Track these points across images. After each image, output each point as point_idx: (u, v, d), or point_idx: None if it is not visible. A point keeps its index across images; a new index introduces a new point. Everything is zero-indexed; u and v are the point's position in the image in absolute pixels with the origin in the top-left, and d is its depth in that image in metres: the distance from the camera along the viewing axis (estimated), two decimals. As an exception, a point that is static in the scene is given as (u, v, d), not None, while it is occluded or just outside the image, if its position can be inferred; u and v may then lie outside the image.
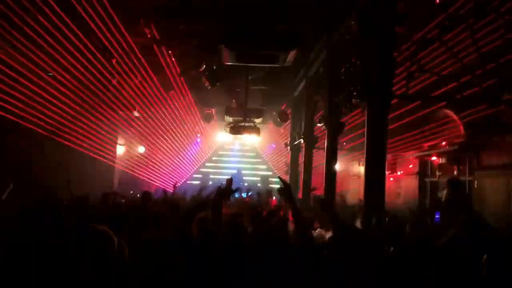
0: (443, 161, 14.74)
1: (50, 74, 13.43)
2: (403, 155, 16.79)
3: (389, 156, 17.18)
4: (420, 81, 11.62)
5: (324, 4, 11.34)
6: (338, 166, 14.57)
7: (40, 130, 13.65)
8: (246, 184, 19.46)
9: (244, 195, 14.73)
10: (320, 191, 14.02)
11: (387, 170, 17.73)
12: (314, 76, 14.98)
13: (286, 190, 5.25)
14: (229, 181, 5.57)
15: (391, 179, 17.79)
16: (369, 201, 9.50)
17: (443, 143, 14.38)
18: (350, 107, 11.59)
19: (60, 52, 12.70)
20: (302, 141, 16.02)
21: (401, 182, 17.37)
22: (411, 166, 16.77)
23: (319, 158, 14.44)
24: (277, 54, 11.38)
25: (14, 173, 12.82)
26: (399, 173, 17.63)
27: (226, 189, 5.42)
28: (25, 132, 13.44)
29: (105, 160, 17.63)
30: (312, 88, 15.35)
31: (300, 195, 15.65)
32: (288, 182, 5.56)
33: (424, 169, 16.17)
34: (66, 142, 14.86)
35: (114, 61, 13.90)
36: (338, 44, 12.39)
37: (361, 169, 15.51)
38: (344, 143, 17.58)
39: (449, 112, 14.07)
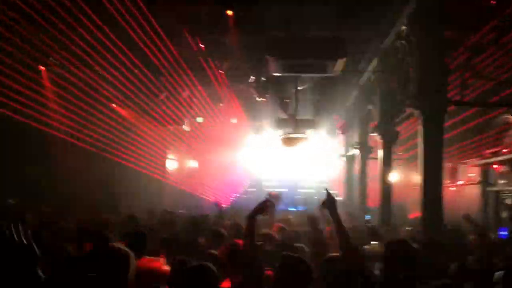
0: (506, 169, 14.04)
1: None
2: (464, 164, 16.11)
3: (448, 165, 16.57)
4: (478, 86, 11.16)
5: (373, 10, 10.91)
6: (395, 176, 14.13)
7: (91, 148, 13.72)
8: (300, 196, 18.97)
9: (300, 208, 14.33)
10: (375, 202, 13.57)
11: (447, 180, 17.16)
12: (366, 84, 14.60)
13: (330, 202, 4.86)
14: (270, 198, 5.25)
15: (452, 188, 17.11)
16: (426, 213, 9.25)
17: (505, 150, 13.71)
18: (403, 116, 11.27)
19: (107, 69, 12.72)
20: (356, 151, 15.60)
21: (462, 192, 16.66)
22: (472, 175, 16.06)
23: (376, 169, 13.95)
24: (325, 63, 11.11)
25: (65, 189, 13.00)
26: (459, 182, 16.92)
27: (264, 205, 5.07)
28: (75, 149, 13.54)
29: (156, 176, 17.61)
30: (364, 96, 14.96)
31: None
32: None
33: (486, 177, 15.45)
34: (116, 159, 14.88)
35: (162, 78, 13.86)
36: (389, 51, 12.02)
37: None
38: (401, 153, 17.05)
39: (510, 118, 13.46)
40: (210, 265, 4.31)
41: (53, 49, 11.95)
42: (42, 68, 13.30)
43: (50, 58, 12.88)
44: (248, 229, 4.91)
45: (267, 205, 5.14)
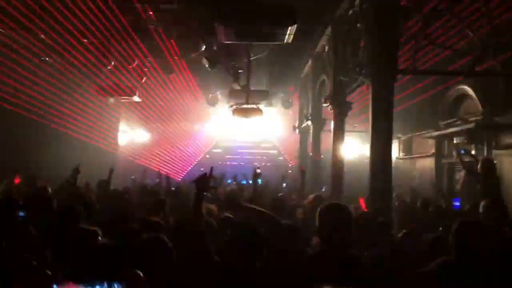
0: (460, 141, 13.91)
1: (43, 59, 13.03)
2: (419, 136, 15.98)
3: (404, 137, 16.47)
4: (432, 56, 11.04)
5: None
6: (348, 149, 13.95)
7: (32, 116, 13.20)
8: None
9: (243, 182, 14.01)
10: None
11: (402, 152, 17.09)
12: (320, 54, 14.38)
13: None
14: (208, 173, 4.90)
15: (407, 161, 17.02)
16: (374, 185, 9.08)
17: (459, 121, 13.59)
18: (355, 86, 11.09)
19: (49, 34, 12.22)
20: (310, 123, 15.34)
21: (417, 164, 16.56)
22: (426, 146, 15.93)
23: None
24: (275, 30, 10.85)
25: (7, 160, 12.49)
26: (415, 154, 16.80)
27: (206, 181, 4.81)
28: (16, 118, 13.01)
29: (106, 148, 17.14)
30: (318, 66, 14.72)
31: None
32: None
33: (440, 149, 15.32)
34: (65, 130, 14.40)
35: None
36: (343, 19, 11.79)
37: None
38: (356, 125, 16.89)
39: (465, 88, 13.33)
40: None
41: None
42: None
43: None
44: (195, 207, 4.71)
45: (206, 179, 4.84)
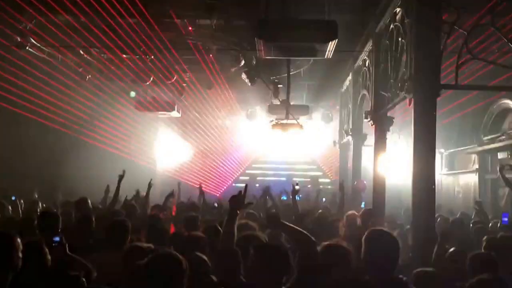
0: (505, 156, 13.61)
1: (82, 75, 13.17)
2: (462, 150, 15.67)
3: (446, 152, 16.19)
4: (475, 70, 10.84)
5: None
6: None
7: (70, 132, 13.34)
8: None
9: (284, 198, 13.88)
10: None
11: (445, 167, 16.78)
12: (360, 68, 14.22)
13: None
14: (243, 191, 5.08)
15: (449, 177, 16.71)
16: (417, 202, 8.73)
17: (503, 136, 13.29)
18: (396, 101, 10.92)
19: (89, 52, 12.35)
20: (350, 138, 15.19)
21: (460, 180, 16.23)
22: (469, 162, 15.63)
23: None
24: (315, 45, 10.80)
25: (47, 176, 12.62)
26: (457, 170, 16.48)
27: (240, 198, 5.01)
28: (55, 133, 13.16)
29: (146, 163, 17.19)
30: (359, 81, 14.57)
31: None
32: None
33: (483, 165, 15.00)
34: (102, 146, 14.50)
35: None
36: (384, 34, 11.65)
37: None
38: (398, 139, 16.67)
39: (508, 103, 13.06)
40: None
41: (33, 31, 11.55)
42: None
43: (31, 39, 12.46)
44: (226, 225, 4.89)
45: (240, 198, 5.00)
